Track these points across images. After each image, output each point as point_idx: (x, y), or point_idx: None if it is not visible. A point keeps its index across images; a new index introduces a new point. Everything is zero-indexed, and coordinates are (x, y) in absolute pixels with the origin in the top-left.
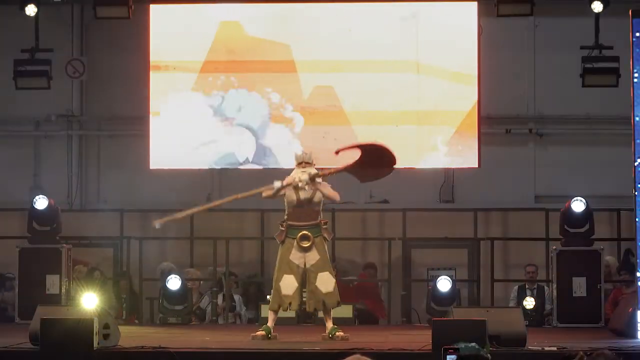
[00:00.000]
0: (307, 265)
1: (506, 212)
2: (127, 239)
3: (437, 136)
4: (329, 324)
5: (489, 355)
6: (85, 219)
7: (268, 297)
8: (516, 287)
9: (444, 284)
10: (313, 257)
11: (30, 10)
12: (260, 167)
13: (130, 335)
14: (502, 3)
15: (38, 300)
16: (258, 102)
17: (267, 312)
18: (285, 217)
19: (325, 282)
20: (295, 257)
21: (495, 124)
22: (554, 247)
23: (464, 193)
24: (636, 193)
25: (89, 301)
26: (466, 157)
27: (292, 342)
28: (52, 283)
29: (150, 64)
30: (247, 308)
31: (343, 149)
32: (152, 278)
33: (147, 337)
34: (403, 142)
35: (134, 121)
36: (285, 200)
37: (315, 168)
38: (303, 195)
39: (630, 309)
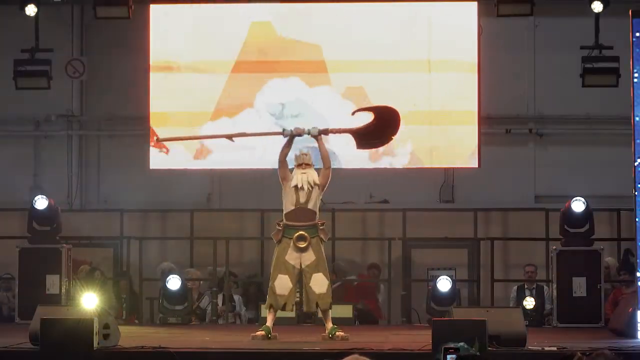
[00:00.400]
0: (303, 266)
1: (506, 212)
2: (127, 239)
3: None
4: (329, 324)
5: (478, 353)
6: (85, 219)
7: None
8: (515, 287)
9: (444, 284)
10: (309, 257)
11: (30, 10)
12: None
13: (130, 335)
14: (502, 3)
15: (38, 300)
16: None
17: (267, 312)
18: (283, 216)
19: (319, 283)
20: (291, 257)
21: (495, 124)
22: (554, 247)
23: (464, 193)
24: (636, 193)
25: (89, 301)
26: (466, 157)
27: (292, 342)
28: (52, 283)
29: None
30: (247, 308)
31: (359, 110)
32: (152, 278)
33: (147, 337)
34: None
35: (134, 121)
36: (284, 199)
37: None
38: (303, 197)
39: (630, 309)
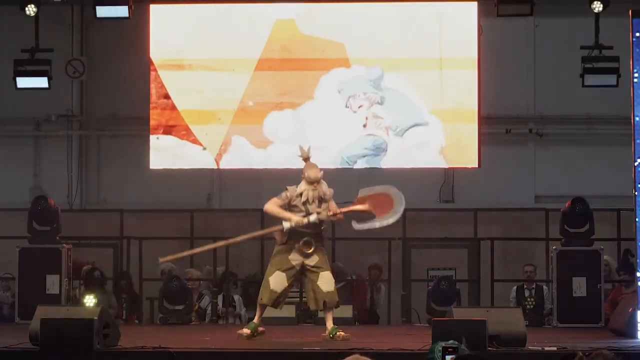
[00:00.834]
0: (308, 265)
1: (506, 212)
2: (127, 239)
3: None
4: (330, 324)
5: (465, 348)
6: (85, 219)
7: None
8: (515, 287)
9: (444, 284)
10: (314, 257)
11: (30, 10)
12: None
13: (130, 335)
14: (502, 3)
15: (38, 300)
16: None
17: (267, 312)
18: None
19: (327, 281)
20: (294, 257)
21: (495, 124)
22: (554, 247)
23: (464, 193)
24: (636, 193)
25: (89, 301)
26: (466, 157)
27: (292, 342)
28: (52, 283)
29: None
30: (247, 308)
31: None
32: (152, 278)
33: (147, 337)
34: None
35: (134, 121)
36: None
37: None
38: (312, 210)
39: (630, 309)
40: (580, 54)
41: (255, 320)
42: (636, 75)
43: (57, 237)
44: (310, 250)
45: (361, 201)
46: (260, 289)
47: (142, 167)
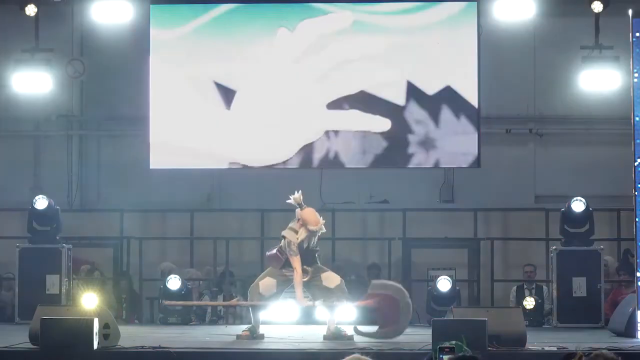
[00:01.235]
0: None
1: (506, 212)
2: (127, 239)
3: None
4: (332, 324)
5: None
6: (85, 219)
7: None
8: (515, 287)
9: (444, 284)
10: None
11: (30, 10)
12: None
13: (130, 335)
14: (502, 3)
15: (38, 300)
16: None
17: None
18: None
19: (332, 278)
20: (289, 270)
21: (495, 124)
22: (554, 247)
23: (464, 193)
24: (636, 193)
25: (89, 301)
26: (466, 157)
27: (292, 342)
28: (52, 283)
29: None
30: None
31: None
32: (152, 278)
33: (147, 337)
34: None
35: (134, 121)
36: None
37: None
38: (314, 241)
39: (630, 309)
40: (580, 54)
41: (253, 322)
42: (636, 75)
43: (57, 237)
44: (306, 279)
45: (370, 297)
46: (250, 288)
47: (142, 167)
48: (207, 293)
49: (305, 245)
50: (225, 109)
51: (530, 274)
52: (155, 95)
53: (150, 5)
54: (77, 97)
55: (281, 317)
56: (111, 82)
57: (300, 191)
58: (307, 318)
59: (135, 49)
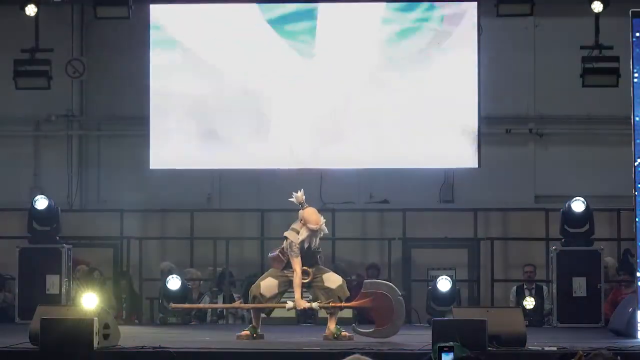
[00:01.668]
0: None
1: (506, 212)
2: (127, 239)
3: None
4: (332, 325)
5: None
6: (85, 219)
7: None
8: (515, 287)
9: (444, 284)
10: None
11: (30, 10)
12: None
13: (130, 335)
14: (502, 3)
15: (38, 300)
16: None
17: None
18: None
19: (333, 279)
20: (290, 272)
21: (495, 124)
22: (554, 247)
23: (464, 193)
24: (636, 193)
25: (89, 301)
26: (466, 157)
27: (292, 342)
28: (52, 283)
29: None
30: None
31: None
32: (152, 278)
33: (147, 337)
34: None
35: (134, 121)
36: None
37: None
38: (315, 241)
39: (630, 309)
40: (580, 54)
41: (254, 322)
42: (636, 75)
43: (57, 237)
44: (307, 280)
45: (364, 297)
46: (251, 288)
47: (142, 167)
48: (207, 293)
49: (306, 246)
50: (225, 108)
51: (530, 274)
52: (155, 96)
53: (150, 6)
54: (77, 97)
55: (281, 318)
56: (111, 82)
57: (302, 190)
58: (307, 318)
59: (135, 49)
